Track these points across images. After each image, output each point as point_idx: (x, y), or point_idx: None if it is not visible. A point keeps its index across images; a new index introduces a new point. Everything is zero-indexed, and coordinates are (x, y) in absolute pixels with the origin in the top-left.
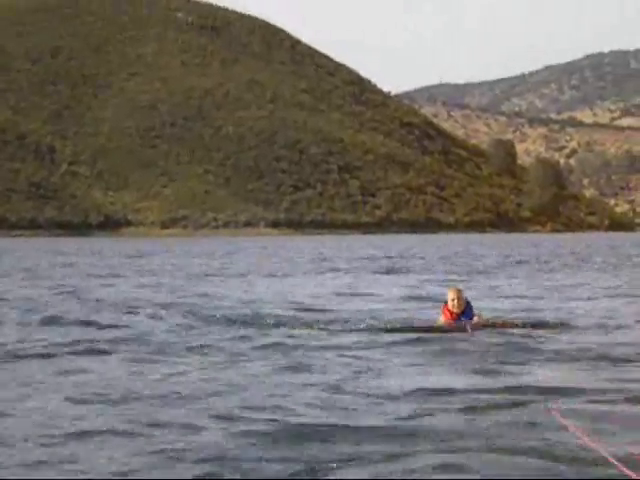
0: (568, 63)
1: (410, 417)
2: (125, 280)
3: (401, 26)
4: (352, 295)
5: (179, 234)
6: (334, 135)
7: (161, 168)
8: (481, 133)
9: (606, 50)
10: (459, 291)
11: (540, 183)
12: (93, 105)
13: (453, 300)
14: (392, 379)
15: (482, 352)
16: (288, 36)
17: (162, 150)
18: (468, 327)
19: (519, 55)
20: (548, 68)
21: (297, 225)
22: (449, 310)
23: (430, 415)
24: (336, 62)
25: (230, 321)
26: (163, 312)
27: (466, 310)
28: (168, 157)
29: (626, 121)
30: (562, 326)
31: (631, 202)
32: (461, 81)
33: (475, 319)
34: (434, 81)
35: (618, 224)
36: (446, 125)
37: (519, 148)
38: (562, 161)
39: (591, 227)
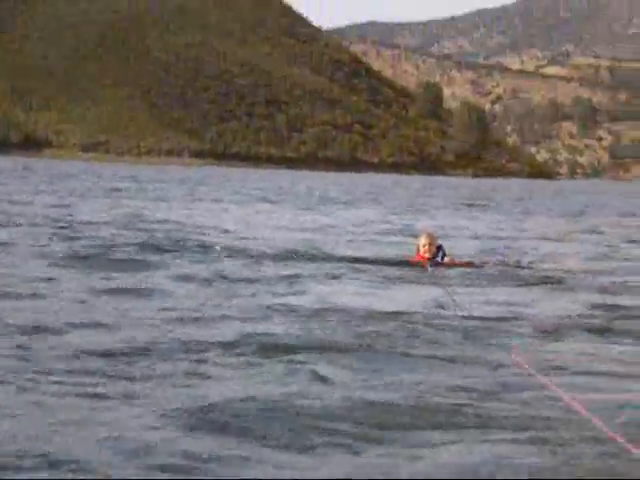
0: (499, 8)
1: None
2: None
3: None
4: (320, 228)
5: (100, 158)
6: (262, 67)
7: (85, 90)
8: (409, 74)
9: None
10: (430, 236)
11: (464, 128)
12: (18, 23)
13: (425, 246)
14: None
15: (437, 283)
16: None
17: (87, 72)
18: (428, 266)
19: None
20: (479, 12)
21: (222, 156)
22: (420, 255)
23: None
24: None
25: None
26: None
27: (438, 255)
28: (92, 80)
29: (552, 70)
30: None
31: (552, 151)
32: (392, 20)
33: (446, 259)
34: (365, 18)
35: (538, 172)
36: (375, 64)
37: (446, 91)
38: (487, 107)
39: (512, 174)
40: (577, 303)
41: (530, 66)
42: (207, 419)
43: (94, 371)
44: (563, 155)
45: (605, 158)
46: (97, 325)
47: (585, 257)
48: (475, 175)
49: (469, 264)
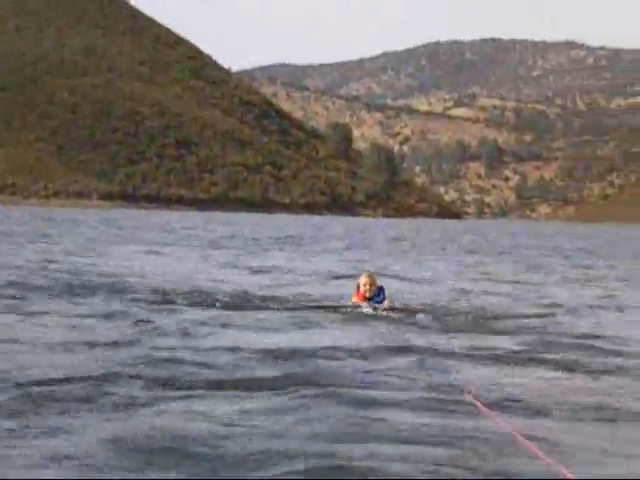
0: (406, 50)
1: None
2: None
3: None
4: (250, 271)
5: (7, 201)
6: (172, 109)
7: None
8: (319, 115)
9: (442, 40)
10: (371, 276)
11: (374, 168)
12: None
13: (365, 285)
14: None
15: (387, 325)
16: (127, 5)
17: None
18: (375, 306)
19: (358, 40)
20: (386, 54)
21: (131, 198)
22: (362, 295)
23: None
24: (177, 35)
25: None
26: None
27: (378, 295)
28: None
29: (459, 111)
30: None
31: (460, 190)
32: (300, 62)
33: (386, 303)
34: (274, 60)
35: (447, 211)
36: (285, 105)
37: (356, 132)
38: (396, 147)
39: (421, 213)
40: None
41: (438, 107)
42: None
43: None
44: (471, 195)
45: (512, 198)
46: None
47: (516, 299)
48: (385, 215)
49: (407, 309)
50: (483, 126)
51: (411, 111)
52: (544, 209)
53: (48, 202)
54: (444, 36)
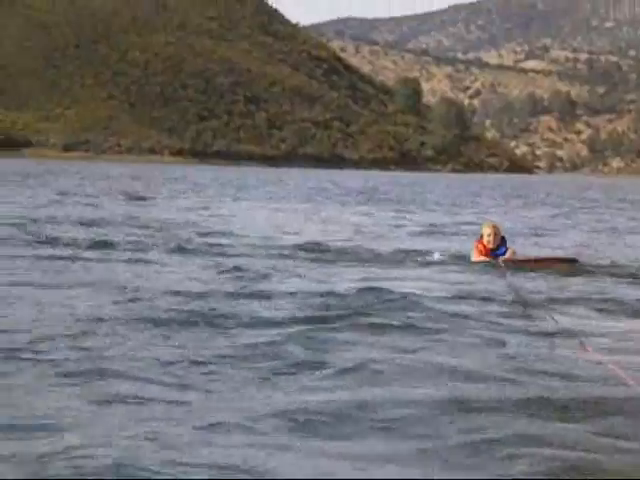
0: (475, 2)
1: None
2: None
3: None
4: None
5: (81, 157)
6: (241, 65)
7: (64, 90)
8: (388, 70)
9: None
10: (495, 226)
11: (443, 123)
12: None
13: (489, 235)
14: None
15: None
16: None
17: (66, 71)
18: (501, 263)
19: None
20: (455, 7)
21: (202, 155)
22: (484, 245)
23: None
24: None
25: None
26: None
27: (500, 246)
28: (72, 79)
29: (530, 64)
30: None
31: (531, 145)
32: (369, 16)
33: (509, 253)
34: (342, 14)
35: (518, 166)
36: (353, 60)
37: (425, 87)
38: (466, 101)
39: (491, 168)
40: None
41: (508, 61)
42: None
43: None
44: (542, 149)
45: (584, 151)
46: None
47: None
48: (454, 170)
49: (537, 261)
50: (555, 79)
51: (481, 64)
52: (617, 163)
53: (121, 158)
54: None
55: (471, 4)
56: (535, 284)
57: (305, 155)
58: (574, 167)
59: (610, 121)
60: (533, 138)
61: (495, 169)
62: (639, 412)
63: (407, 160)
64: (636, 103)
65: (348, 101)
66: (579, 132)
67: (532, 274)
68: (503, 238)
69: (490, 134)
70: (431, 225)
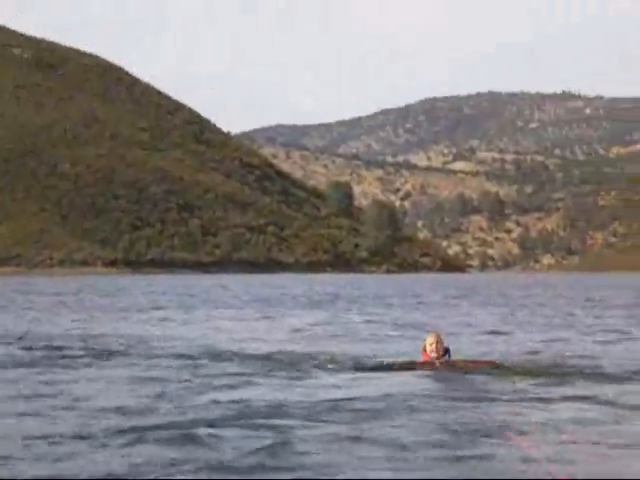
0: (403, 107)
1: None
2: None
3: (239, 66)
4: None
5: (13, 272)
6: (174, 174)
7: None
8: (319, 174)
9: (440, 95)
10: (438, 336)
11: (376, 225)
12: None
13: (432, 344)
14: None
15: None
16: (126, 74)
17: None
18: (437, 364)
19: (355, 99)
20: (383, 111)
21: (136, 264)
22: (427, 355)
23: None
24: (176, 101)
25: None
26: None
27: (445, 356)
28: (2, 194)
29: (458, 165)
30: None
31: (463, 244)
32: (299, 123)
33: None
34: (273, 121)
35: (451, 265)
36: (285, 166)
37: (356, 190)
38: (397, 203)
39: (425, 268)
40: None
41: (437, 162)
42: None
43: None
44: (474, 248)
45: (515, 249)
46: None
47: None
48: (389, 270)
49: (484, 364)
50: (483, 179)
51: (410, 167)
52: (547, 260)
53: (53, 271)
54: (441, 92)
55: (399, 108)
56: (465, 383)
57: (240, 260)
58: (506, 265)
59: (539, 219)
60: (464, 237)
61: (429, 268)
62: None
63: (341, 262)
64: (564, 201)
65: (281, 206)
66: (509, 231)
67: (466, 376)
68: (447, 349)
69: (422, 234)
70: (387, 325)
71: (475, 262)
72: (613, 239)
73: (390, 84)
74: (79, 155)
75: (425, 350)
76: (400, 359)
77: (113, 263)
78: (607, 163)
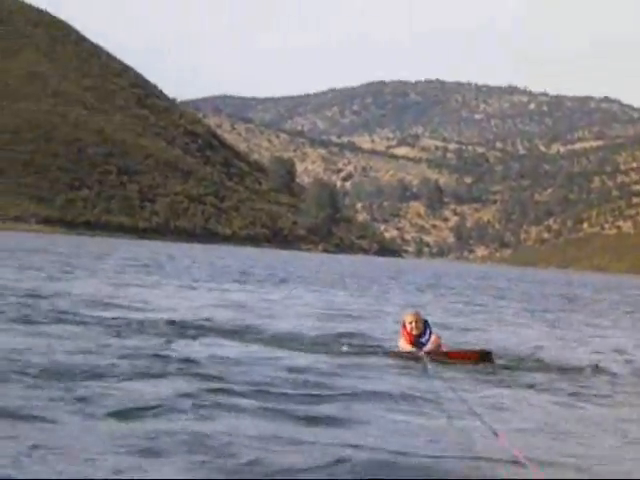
0: (351, 88)
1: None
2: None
3: (192, 34)
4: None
5: None
6: (115, 137)
7: None
8: (263, 149)
9: (387, 80)
10: (417, 314)
11: (316, 203)
12: None
13: (411, 323)
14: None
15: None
16: (75, 32)
17: None
18: (423, 355)
19: (304, 75)
20: (332, 90)
21: (71, 225)
22: (408, 332)
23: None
24: (123, 64)
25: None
26: None
27: (424, 331)
28: None
29: (401, 150)
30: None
31: (400, 229)
32: (246, 95)
33: (433, 338)
34: (219, 92)
35: (387, 249)
36: (229, 137)
37: (299, 167)
38: (339, 184)
39: (361, 250)
40: None
41: (380, 146)
42: None
43: None
44: (411, 234)
45: (450, 238)
46: None
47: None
48: (325, 250)
49: (460, 355)
50: (425, 166)
51: (354, 148)
52: (481, 251)
53: None
54: (389, 76)
55: (347, 89)
56: (453, 374)
57: (177, 229)
58: (441, 253)
59: (476, 210)
60: (402, 223)
61: (365, 251)
62: None
63: (279, 238)
64: (501, 194)
65: (222, 177)
66: (446, 219)
67: (451, 366)
68: (426, 322)
69: (361, 217)
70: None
71: (411, 248)
72: (547, 235)
73: (340, 64)
74: (20, 109)
75: (404, 327)
76: (384, 346)
77: (47, 221)
78: (546, 159)
